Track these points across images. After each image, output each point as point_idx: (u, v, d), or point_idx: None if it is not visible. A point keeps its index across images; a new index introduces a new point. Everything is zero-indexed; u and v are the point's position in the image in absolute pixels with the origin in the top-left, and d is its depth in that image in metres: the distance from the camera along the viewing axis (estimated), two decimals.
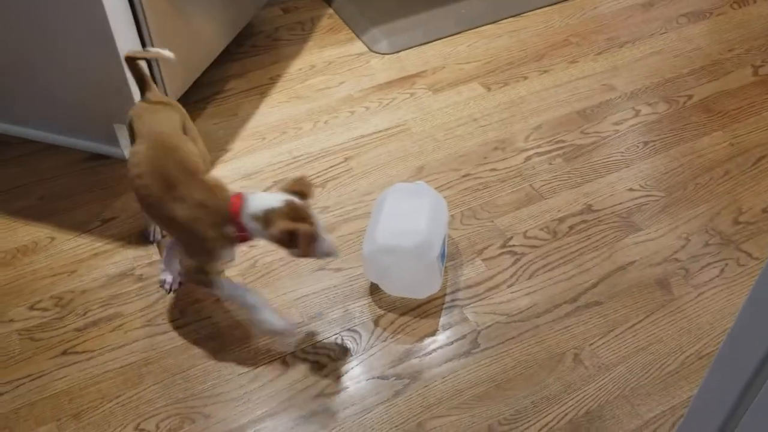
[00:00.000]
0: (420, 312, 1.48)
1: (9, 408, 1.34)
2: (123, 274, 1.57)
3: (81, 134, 1.86)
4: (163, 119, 1.43)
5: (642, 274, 1.53)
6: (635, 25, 2.24)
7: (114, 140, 1.83)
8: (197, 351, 1.42)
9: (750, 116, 1.90)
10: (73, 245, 1.64)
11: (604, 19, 2.26)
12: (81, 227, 1.68)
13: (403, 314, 1.47)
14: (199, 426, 1.31)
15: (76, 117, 1.82)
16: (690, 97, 1.97)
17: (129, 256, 1.61)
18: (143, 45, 1.70)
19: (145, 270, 1.58)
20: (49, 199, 1.75)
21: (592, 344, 1.40)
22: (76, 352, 1.43)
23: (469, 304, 1.49)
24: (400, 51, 2.17)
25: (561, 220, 1.65)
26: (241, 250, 1.61)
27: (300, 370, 1.39)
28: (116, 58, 1.62)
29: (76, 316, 1.50)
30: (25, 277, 1.57)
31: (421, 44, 2.19)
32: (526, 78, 2.06)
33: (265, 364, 1.40)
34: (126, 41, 1.63)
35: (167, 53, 1.48)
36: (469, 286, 1.52)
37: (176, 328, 1.46)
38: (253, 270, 1.57)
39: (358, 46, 2.19)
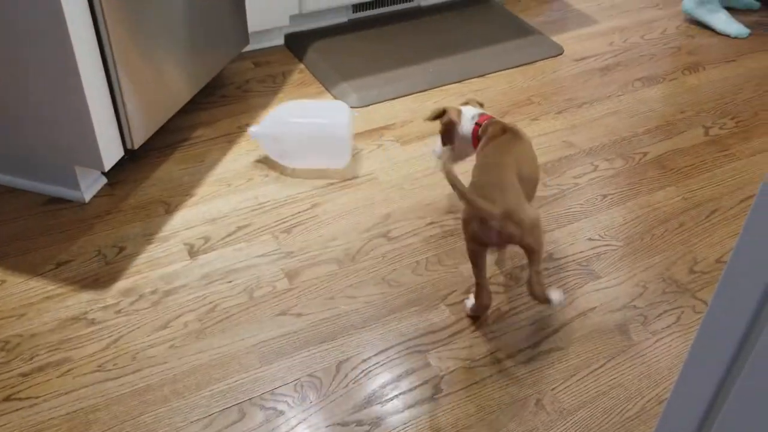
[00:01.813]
0: (383, 357, 1.46)
1: None
2: (75, 318, 1.53)
3: (42, 178, 1.84)
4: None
5: (602, 320, 1.54)
6: (593, 87, 2.33)
7: (75, 184, 1.81)
8: (149, 397, 1.37)
9: (702, 173, 1.98)
10: (24, 288, 1.59)
11: (563, 82, 2.36)
12: (34, 270, 1.63)
13: (365, 360, 1.45)
14: None
15: (38, 160, 1.79)
16: (645, 154, 2.05)
17: (82, 300, 1.57)
18: (111, 90, 1.71)
19: (98, 314, 1.53)
20: (4, 242, 1.70)
21: (554, 389, 1.40)
22: (20, 399, 1.37)
23: (432, 349, 1.47)
24: (369, 105, 2.22)
25: (523, 267, 1.67)
26: (200, 294, 1.59)
27: (257, 417, 1.34)
28: (83, 103, 1.62)
29: (22, 360, 1.44)
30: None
31: (390, 99, 2.25)
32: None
33: (220, 411, 1.35)
34: (94, 87, 1.64)
35: None
36: (433, 332, 1.51)
37: (128, 373, 1.42)
38: (212, 314, 1.54)
39: (327, 99, 2.24)
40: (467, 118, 1.68)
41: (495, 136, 1.58)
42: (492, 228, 1.38)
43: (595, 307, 1.57)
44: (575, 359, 1.45)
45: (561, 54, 2.50)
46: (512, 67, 2.42)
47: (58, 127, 1.69)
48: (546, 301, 1.42)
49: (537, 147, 2.05)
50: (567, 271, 1.66)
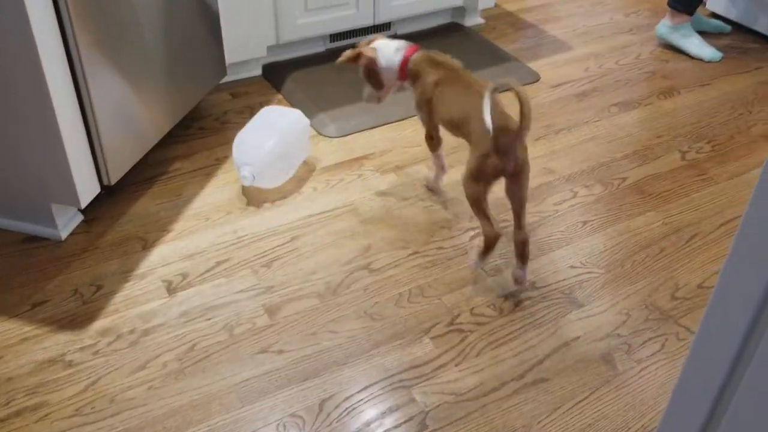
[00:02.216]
0: (367, 394, 1.43)
1: None
2: (52, 360, 1.49)
3: (17, 216, 1.80)
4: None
5: (586, 350, 1.53)
6: (570, 113, 2.35)
7: (51, 222, 1.78)
8: None
9: (680, 197, 1.99)
10: (0, 330, 1.55)
11: (541, 108, 2.37)
12: (10, 311, 1.60)
13: (348, 397, 1.43)
14: None
15: (13, 198, 1.76)
16: (624, 179, 2.06)
17: (60, 341, 1.53)
18: (86, 122, 1.69)
19: (75, 356, 1.50)
20: None
21: (540, 422, 1.38)
22: None
23: (417, 384, 1.45)
24: (347, 135, 2.22)
25: (506, 297, 1.66)
26: (179, 333, 1.56)
27: None
28: (58, 140, 1.60)
29: None
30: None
31: (369, 128, 2.25)
32: None
33: None
34: (69, 123, 1.62)
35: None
36: (417, 366, 1.49)
37: (106, 417, 1.38)
38: (191, 354, 1.51)
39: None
40: (388, 52, 1.76)
41: (443, 70, 1.70)
42: (512, 151, 1.50)
43: (579, 337, 1.56)
44: (560, 391, 1.44)
45: (538, 80, 2.53)
46: None
47: (34, 164, 1.67)
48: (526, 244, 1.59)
49: None
50: (550, 300, 1.66)
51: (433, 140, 1.87)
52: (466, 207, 1.92)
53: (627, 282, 1.71)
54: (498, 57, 2.65)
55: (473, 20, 2.89)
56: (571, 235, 1.85)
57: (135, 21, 1.79)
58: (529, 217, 1.91)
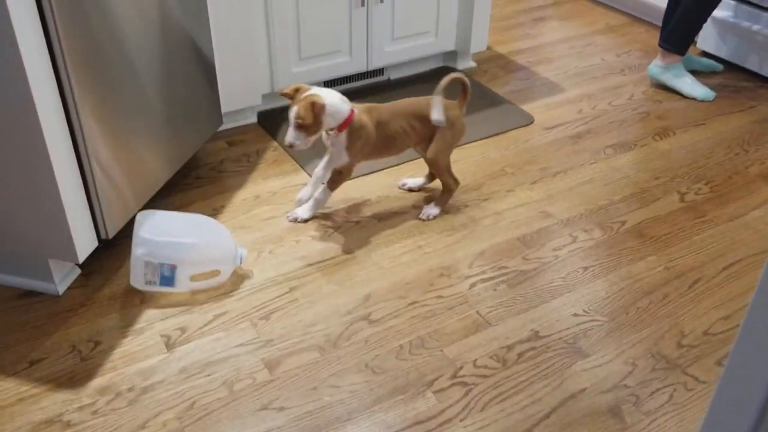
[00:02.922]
0: None
1: None
2: (50, 421, 1.46)
3: (13, 270, 1.78)
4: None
5: (593, 402, 1.51)
6: (566, 156, 2.36)
7: (48, 277, 1.76)
8: None
9: (681, 240, 1.99)
10: None
11: (536, 151, 2.39)
12: (6, 370, 1.57)
13: None
14: None
15: (9, 253, 1.75)
16: (623, 223, 2.06)
17: (57, 401, 1.50)
18: (83, 176, 1.68)
19: (74, 416, 1.47)
20: None
21: None
22: None
23: None
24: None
25: (509, 347, 1.64)
26: (179, 390, 1.53)
27: None
28: (55, 195, 1.59)
29: None
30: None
31: (365, 174, 2.25)
32: (466, 206, 2.12)
33: None
34: (66, 178, 1.61)
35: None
36: (420, 422, 1.47)
37: None
38: (191, 412, 1.48)
39: (303, 177, 2.23)
40: (337, 101, 1.84)
41: (376, 112, 1.95)
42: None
43: (585, 388, 1.54)
44: None
45: (531, 123, 2.54)
46: (484, 138, 2.45)
47: (31, 220, 1.66)
48: None
49: (514, 219, 2.06)
50: (554, 349, 1.64)
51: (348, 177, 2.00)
52: (464, 254, 1.92)
53: (632, 330, 1.70)
54: (491, 100, 2.67)
55: (465, 64, 2.93)
56: (572, 281, 1.84)
57: (132, 72, 1.80)
58: (529, 264, 1.90)
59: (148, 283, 1.73)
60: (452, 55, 2.90)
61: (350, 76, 2.69)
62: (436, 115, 1.92)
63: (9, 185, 1.61)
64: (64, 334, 1.67)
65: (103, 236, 1.79)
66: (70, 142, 1.63)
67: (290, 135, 1.84)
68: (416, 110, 1.96)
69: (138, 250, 1.69)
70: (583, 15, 3.44)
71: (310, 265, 1.88)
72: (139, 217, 1.74)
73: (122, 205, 1.83)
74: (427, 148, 2.00)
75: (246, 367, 1.59)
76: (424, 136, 1.99)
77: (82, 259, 1.71)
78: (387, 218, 2.06)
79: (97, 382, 1.54)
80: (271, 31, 2.37)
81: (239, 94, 2.39)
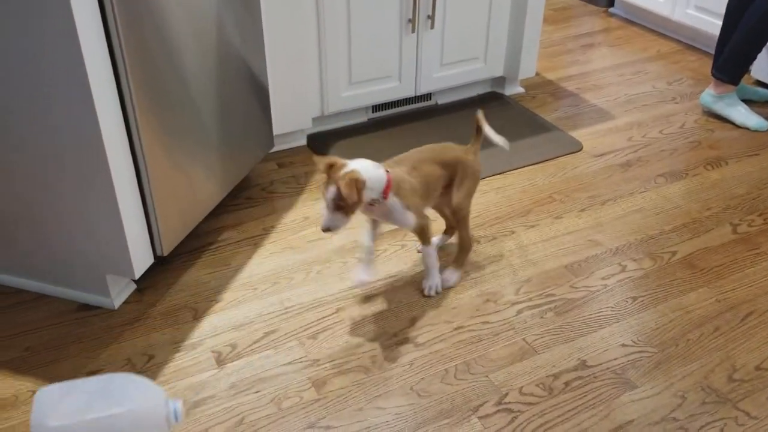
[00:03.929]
0: None
1: None
2: None
3: (73, 285, 1.86)
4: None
5: None
6: (615, 184, 2.35)
7: (105, 291, 1.83)
8: None
9: (734, 273, 1.95)
10: None
11: (584, 178, 2.38)
12: (65, 379, 1.62)
13: None
14: None
15: (70, 268, 1.82)
16: (674, 253, 2.03)
17: None
18: (142, 195, 1.75)
19: None
20: (35, 351, 1.71)
21: None
22: None
23: None
24: None
25: (556, 376, 1.63)
26: (228, 405, 1.57)
27: None
28: (115, 213, 1.66)
29: None
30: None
31: None
32: (513, 232, 2.12)
33: None
34: (127, 195, 1.68)
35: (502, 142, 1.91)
36: None
37: None
38: (240, 428, 1.52)
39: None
40: (372, 169, 1.63)
41: (405, 163, 1.80)
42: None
43: (633, 420, 1.52)
44: None
45: (580, 150, 2.54)
46: (532, 164, 2.45)
47: (91, 236, 1.73)
48: None
49: (562, 246, 2.06)
50: (602, 380, 1.62)
51: (428, 227, 1.82)
52: (510, 280, 1.93)
53: (681, 362, 1.67)
54: (539, 126, 2.67)
55: (513, 89, 2.94)
56: (620, 311, 1.83)
57: (189, 95, 1.87)
58: (577, 292, 1.89)
59: None
60: (500, 80, 2.92)
61: (398, 100, 2.74)
62: (499, 139, 1.88)
63: (72, 203, 1.68)
64: (119, 347, 1.72)
65: (158, 253, 1.85)
66: (131, 161, 1.70)
67: (327, 219, 1.60)
68: (436, 156, 1.81)
69: None
70: (634, 42, 3.43)
71: (349, 289, 1.91)
72: (39, 395, 1.35)
73: (177, 224, 1.90)
74: (447, 198, 1.87)
75: (294, 385, 1.61)
76: (445, 182, 1.84)
77: (138, 275, 1.78)
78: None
79: None
80: (323, 56, 2.44)
81: (290, 117, 2.46)
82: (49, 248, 1.80)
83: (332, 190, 1.58)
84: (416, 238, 1.87)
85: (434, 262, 1.86)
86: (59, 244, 1.78)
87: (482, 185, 2.33)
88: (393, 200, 1.68)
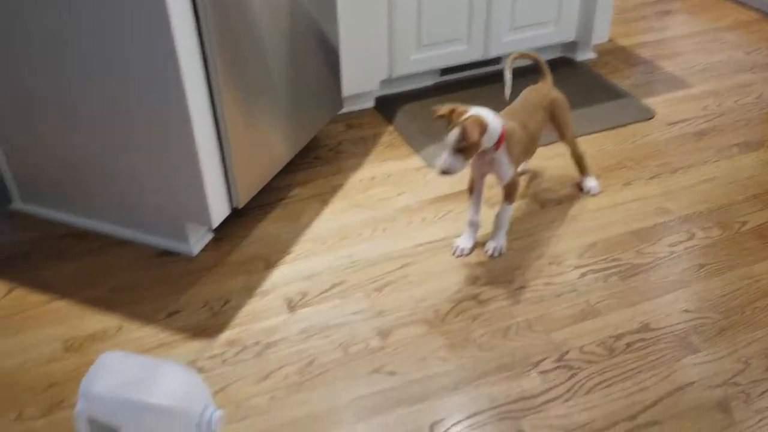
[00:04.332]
0: (475, 421, 1.47)
1: None
2: (188, 366, 1.62)
3: (154, 231, 1.98)
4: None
5: (701, 396, 1.50)
6: (688, 152, 2.31)
7: (184, 239, 1.94)
8: None
9: None
10: (139, 335, 1.70)
11: (656, 146, 2.35)
12: (148, 318, 1.75)
13: (457, 422, 1.47)
14: None
15: (151, 215, 1.94)
16: (744, 223, 2.00)
17: (192, 349, 1.66)
18: (221, 150, 1.84)
19: (206, 363, 1.62)
20: (119, 291, 1.84)
21: None
22: None
23: (525, 416, 1.48)
24: None
25: (618, 337, 1.65)
26: (299, 348, 1.66)
27: None
28: (196, 164, 1.75)
29: None
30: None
31: None
32: (580, 198, 2.13)
33: None
34: (206, 149, 1.77)
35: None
36: (525, 398, 1.52)
37: (234, 421, 1.48)
38: (310, 368, 1.61)
39: (416, 161, 2.31)
40: (492, 119, 1.71)
41: (510, 114, 1.88)
42: None
43: (693, 382, 1.53)
44: None
45: (652, 118, 2.50)
46: (602, 130, 2.43)
47: (173, 186, 1.83)
48: None
49: (630, 212, 2.05)
50: (664, 342, 1.64)
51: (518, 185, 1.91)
52: (575, 244, 1.94)
53: (746, 329, 1.66)
54: (610, 92, 2.64)
55: (585, 55, 2.90)
56: (687, 278, 1.82)
57: (264, 56, 1.93)
58: (643, 258, 1.89)
59: None
60: (572, 45, 2.88)
61: (467, 64, 2.74)
62: (508, 81, 2.02)
63: (156, 155, 1.79)
64: (197, 291, 1.83)
65: (234, 205, 1.95)
66: (212, 117, 1.78)
67: (446, 161, 1.66)
68: (536, 101, 1.95)
69: (79, 404, 1.35)
70: (711, 10, 3.31)
71: (421, 245, 1.96)
72: (100, 359, 1.40)
73: (252, 178, 1.99)
74: (557, 132, 2.04)
75: (360, 333, 1.69)
76: (546, 122, 1.99)
77: (215, 224, 1.88)
78: (497, 204, 2.10)
79: (226, 336, 1.70)
80: (393, 18, 2.46)
81: (359, 79, 2.50)
82: (133, 197, 1.92)
83: (455, 132, 1.65)
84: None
85: (506, 223, 1.91)
86: (143, 193, 1.89)
87: (550, 150, 2.34)
88: (502, 152, 1.77)
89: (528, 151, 1.92)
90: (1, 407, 1.52)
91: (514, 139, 1.79)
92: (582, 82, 2.72)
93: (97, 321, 1.74)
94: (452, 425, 1.47)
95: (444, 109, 1.69)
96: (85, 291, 1.83)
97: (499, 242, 1.91)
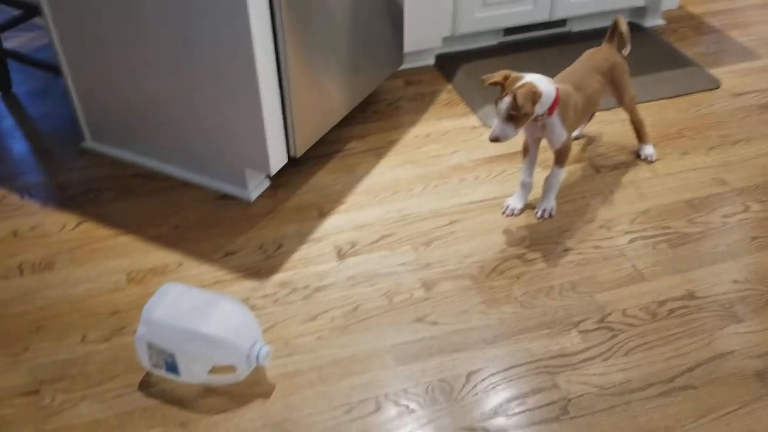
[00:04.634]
0: (511, 373, 1.52)
1: (124, 409, 1.48)
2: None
3: (215, 176, 2.07)
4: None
5: (741, 365, 1.51)
6: (751, 125, 2.25)
7: (243, 184, 2.02)
8: (297, 380, 1.52)
9: None
10: (197, 272, 1.80)
11: (719, 117, 2.29)
12: (207, 257, 1.85)
13: (494, 373, 1.52)
14: None
15: (214, 160, 2.02)
16: None
17: (246, 287, 1.75)
18: (283, 103, 1.89)
19: (258, 301, 1.71)
20: (181, 229, 1.94)
21: (684, 426, 1.39)
22: None
23: (561, 372, 1.51)
24: None
25: (661, 303, 1.66)
26: (346, 294, 1.73)
27: (392, 411, 1.45)
28: (258, 112, 1.81)
29: None
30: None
31: None
32: (636, 164, 2.11)
33: (359, 401, 1.47)
34: (269, 98, 1.83)
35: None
36: (563, 355, 1.55)
37: (281, 357, 1.57)
38: (355, 313, 1.67)
39: (472, 120, 2.33)
40: (546, 85, 1.69)
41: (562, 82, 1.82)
42: None
43: (734, 351, 1.54)
44: (709, 400, 1.44)
45: (717, 88, 2.43)
46: (664, 98, 2.39)
47: (235, 133, 1.91)
48: None
49: (685, 181, 2.03)
50: (708, 311, 1.64)
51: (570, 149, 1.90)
52: (627, 210, 1.94)
53: None
54: (676, 60, 2.57)
55: (653, 21, 2.82)
56: (737, 249, 1.80)
57: (330, 11, 1.97)
58: (694, 227, 1.88)
59: (155, 366, 1.50)
60: (641, 11, 2.81)
61: (531, 25, 2.71)
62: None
63: (220, 103, 1.86)
64: (253, 235, 1.92)
65: (292, 154, 2.01)
66: (276, 67, 1.84)
67: (498, 128, 1.66)
68: (596, 64, 1.92)
69: (140, 329, 1.48)
70: None
71: (471, 202, 1.99)
72: (161, 289, 1.52)
73: (310, 129, 2.04)
74: (616, 97, 2.01)
75: (405, 284, 1.75)
76: (607, 87, 1.96)
77: (273, 171, 1.95)
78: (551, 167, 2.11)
79: (278, 277, 1.78)
80: None
81: (421, 35, 2.51)
82: (198, 142, 2.01)
83: (507, 100, 1.63)
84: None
85: (556, 186, 1.91)
86: (207, 138, 1.98)
87: (609, 115, 2.31)
88: (555, 117, 1.75)
89: (584, 114, 1.91)
90: (67, 330, 1.64)
91: (569, 104, 1.77)
92: (648, 48, 2.66)
93: (159, 256, 1.85)
94: (489, 375, 1.52)
95: (497, 75, 1.68)
96: (150, 228, 1.94)
97: (549, 204, 1.93)
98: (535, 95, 1.63)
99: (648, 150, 2.11)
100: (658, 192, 2.00)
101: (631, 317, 1.63)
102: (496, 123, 1.68)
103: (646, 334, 1.59)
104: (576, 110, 1.82)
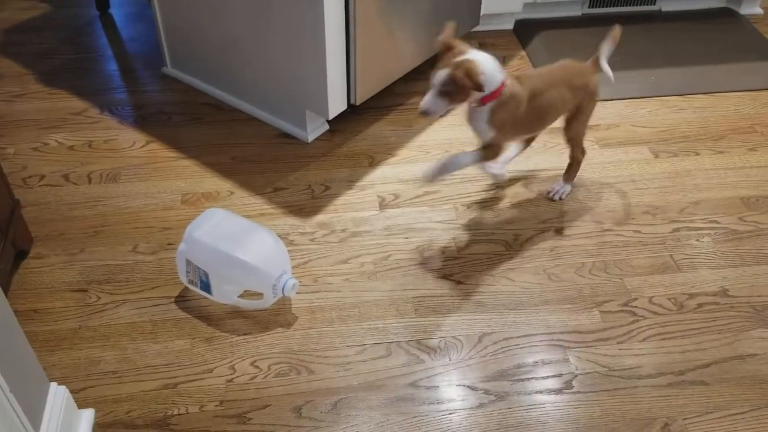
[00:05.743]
0: (525, 341, 1.55)
1: (159, 317, 1.60)
2: (279, 236, 1.80)
3: (278, 114, 2.15)
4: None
5: (759, 369, 1.48)
6: None
7: (302, 125, 2.09)
8: (319, 316, 1.60)
9: None
10: (246, 202, 1.90)
11: None
12: (257, 189, 1.94)
13: (507, 338, 1.55)
14: (302, 378, 1.48)
15: (278, 99, 2.10)
16: None
17: (287, 223, 1.84)
18: (348, 50, 1.93)
19: (296, 237, 1.80)
20: (238, 161, 2.04)
21: (686, 419, 1.39)
22: None
23: (574, 348, 1.53)
24: None
25: (692, 295, 1.63)
26: (380, 242, 1.79)
27: (402, 358, 1.52)
28: (322, 57, 1.86)
29: None
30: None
31: (603, 100, 2.24)
32: (697, 154, 2.04)
33: (373, 344, 1.54)
34: (334, 44, 1.88)
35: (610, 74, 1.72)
36: (579, 332, 1.56)
37: (308, 292, 1.65)
38: (385, 262, 1.73)
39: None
40: (492, 68, 1.50)
41: (526, 81, 1.62)
42: None
43: (756, 354, 1.50)
44: (718, 398, 1.42)
45: None
46: (743, 90, 2.28)
47: (299, 75, 1.97)
48: None
49: (745, 178, 1.95)
50: (737, 310, 1.60)
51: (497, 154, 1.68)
52: (677, 198, 1.89)
53: None
54: (764, 52, 2.43)
55: (750, 9, 2.67)
56: None
57: None
58: (744, 225, 1.82)
59: (191, 282, 1.61)
60: None
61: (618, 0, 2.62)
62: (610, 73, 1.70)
63: (288, 44, 1.92)
64: (303, 174, 2.00)
65: (351, 101, 2.06)
66: (344, 13, 1.87)
67: (429, 101, 1.51)
68: (569, 78, 1.67)
69: (181, 245, 1.59)
70: None
71: (523, 171, 1.99)
72: (207, 212, 1.63)
73: (373, 79, 2.08)
74: (567, 120, 1.76)
75: (439, 241, 1.79)
76: (569, 107, 1.71)
77: (332, 116, 2.01)
78: (610, 146, 2.07)
79: (319, 218, 1.86)
80: None
81: None
82: (265, 80, 2.08)
83: (442, 74, 1.48)
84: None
85: (451, 166, 1.65)
86: (273, 78, 2.05)
87: (680, 101, 2.24)
88: (484, 109, 1.57)
89: (526, 127, 1.68)
90: (121, 239, 1.78)
91: (509, 104, 1.55)
92: (738, 36, 2.52)
93: (213, 182, 1.96)
94: (502, 339, 1.55)
95: (440, 43, 1.52)
96: (210, 155, 2.05)
97: (432, 170, 1.65)
98: (473, 74, 1.45)
99: (565, 187, 1.89)
100: (714, 185, 1.94)
101: (656, 305, 1.61)
102: (428, 95, 1.52)
103: (668, 324, 1.57)
104: (516, 117, 1.58)
